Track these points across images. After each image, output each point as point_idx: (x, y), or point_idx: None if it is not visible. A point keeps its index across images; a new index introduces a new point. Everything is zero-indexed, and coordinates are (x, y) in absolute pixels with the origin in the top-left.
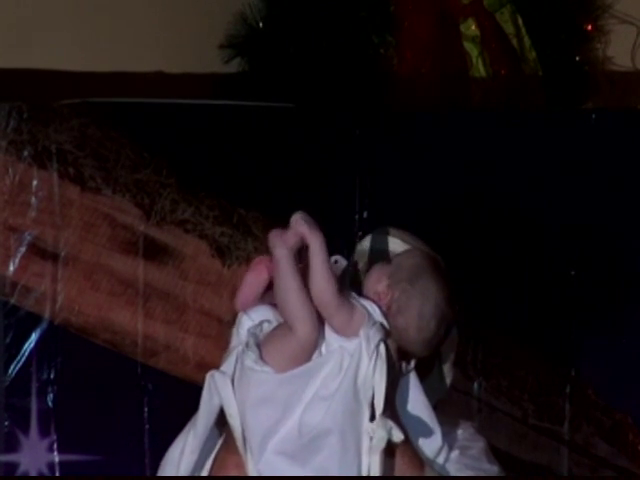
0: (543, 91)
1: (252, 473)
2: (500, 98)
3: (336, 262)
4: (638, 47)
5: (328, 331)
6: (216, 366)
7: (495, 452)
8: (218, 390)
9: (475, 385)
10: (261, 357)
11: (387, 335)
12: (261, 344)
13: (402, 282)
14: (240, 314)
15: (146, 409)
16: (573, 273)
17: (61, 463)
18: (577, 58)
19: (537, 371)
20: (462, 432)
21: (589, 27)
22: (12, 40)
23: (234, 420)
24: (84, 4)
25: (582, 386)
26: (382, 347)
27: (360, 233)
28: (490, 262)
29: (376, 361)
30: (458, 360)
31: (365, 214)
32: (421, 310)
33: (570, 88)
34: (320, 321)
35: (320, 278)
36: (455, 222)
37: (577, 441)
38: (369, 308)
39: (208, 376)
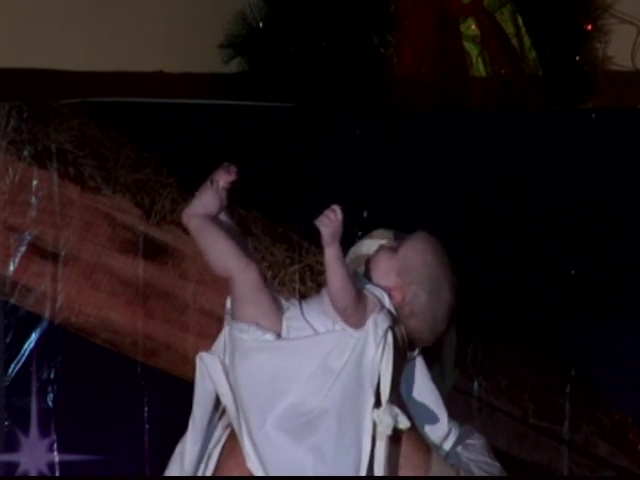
0: (543, 91)
1: (248, 450)
2: (500, 98)
3: None
4: (638, 47)
5: (333, 313)
6: None
7: (495, 452)
8: (208, 370)
9: (475, 385)
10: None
11: (394, 321)
12: (233, 314)
13: (413, 285)
14: (227, 298)
15: (146, 409)
16: (573, 273)
17: (61, 463)
18: (577, 58)
19: (537, 371)
20: (464, 431)
21: (589, 27)
22: (12, 40)
23: (226, 399)
24: (84, 4)
25: (582, 386)
26: (390, 335)
27: (360, 233)
28: (490, 261)
29: (384, 348)
30: (458, 360)
31: (365, 214)
32: (435, 315)
33: (570, 88)
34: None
35: (339, 283)
36: (455, 222)
37: (577, 441)
38: (378, 295)
39: (197, 359)
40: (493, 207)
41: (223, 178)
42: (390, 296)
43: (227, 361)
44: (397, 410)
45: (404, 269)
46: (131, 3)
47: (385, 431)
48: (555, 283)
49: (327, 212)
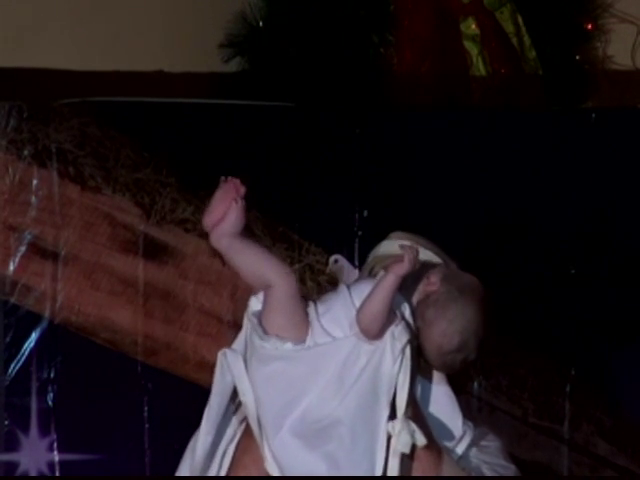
0: (543, 90)
1: (266, 453)
2: (500, 97)
3: (336, 262)
4: (638, 46)
5: (352, 318)
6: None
7: None
8: (230, 368)
9: (475, 384)
10: (265, 332)
11: (411, 333)
12: (261, 319)
13: (452, 285)
14: (251, 297)
15: (146, 409)
16: (573, 272)
17: (61, 462)
18: (577, 57)
19: (537, 370)
20: (479, 432)
21: (589, 26)
22: (12, 40)
23: (247, 397)
24: (84, 4)
25: (582, 386)
26: (408, 349)
27: (360, 232)
28: (490, 261)
29: (401, 362)
30: None
31: (365, 213)
32: (454, 319)
33: (570, 87)
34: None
35: (381, 308)
36: (454, 221)
37: (577, 440)
38: (401, 307)
39: (220, 354)
40: (493, 207)
41: (240, 193)
42: (426, 285)
43: (247, 361)
44: (414, 426)
45: (452, 274)
46: (131, 3)
47: (403, 449)
48: (555, 283)
49: (412, 248)
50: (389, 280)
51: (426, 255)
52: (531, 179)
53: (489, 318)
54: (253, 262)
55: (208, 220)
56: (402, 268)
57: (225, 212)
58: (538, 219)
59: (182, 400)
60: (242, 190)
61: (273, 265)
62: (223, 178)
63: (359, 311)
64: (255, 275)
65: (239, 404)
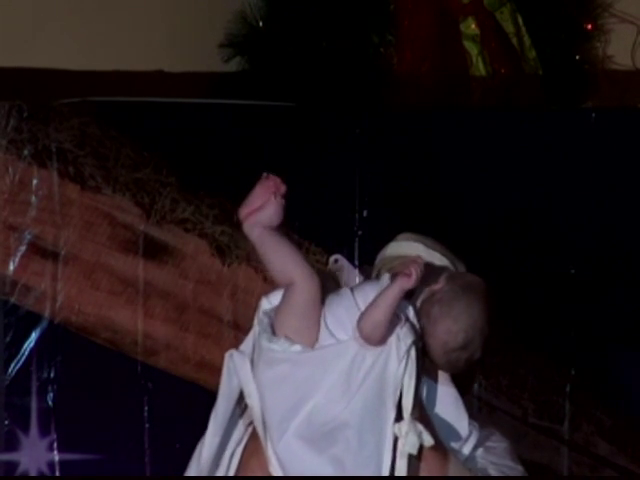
0: (543, 90)
1: (270, 456)
2: (500, 97)
3: (336, 261)
4: (638, 46)
5: (354, 322)
6: (216, 365)
7: None
8: (236, 370)
9: (475, 384)
10: (274, 333)
11: (416, 335)
12: (273, 319)
13: (456, 284)
14: (262, 298)
15: (146, 408)
16: (573, 272)
17: (61, 462)
18: (577, 57)
19: (537, 370)
20: (486, 433)
21: (589, 26)
22: (12, 40)
23: (252, 400)
24: (84, 4)
25: (582, 386)
26: (413, 350)
27: (360, 232)
28: (489, 261)
29: (407, 363)
30: None
31: (365, 213)
32: (458, 316)
33: (570, 87)
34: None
35: (382, 318)
36: (454, 221)
37: (577, 440)
38: (405, 310)
39: (227, 356)
40: (493, 206)
41: (280, 190)
42: (432, 286)
43: (254, 363)
44: (421, 427)
45: (456, 274)
46: (131, 3)
47: (411, 450)
48: (555, 282)
49: (418, 264)
50: (393, 291)
51: (433, 256)
52: (531, 179)
53: (492, 317)
54: (281, 258)
55: (243, 209)
56: (408, 283)
57: (262, 204)
58: (538, 219)
59: (182, 400)
60: (283, 188)
61: (300, 266)
62: (265, 174)
63: (361, 318)
64: (279, 271)
65: (245, 407)
